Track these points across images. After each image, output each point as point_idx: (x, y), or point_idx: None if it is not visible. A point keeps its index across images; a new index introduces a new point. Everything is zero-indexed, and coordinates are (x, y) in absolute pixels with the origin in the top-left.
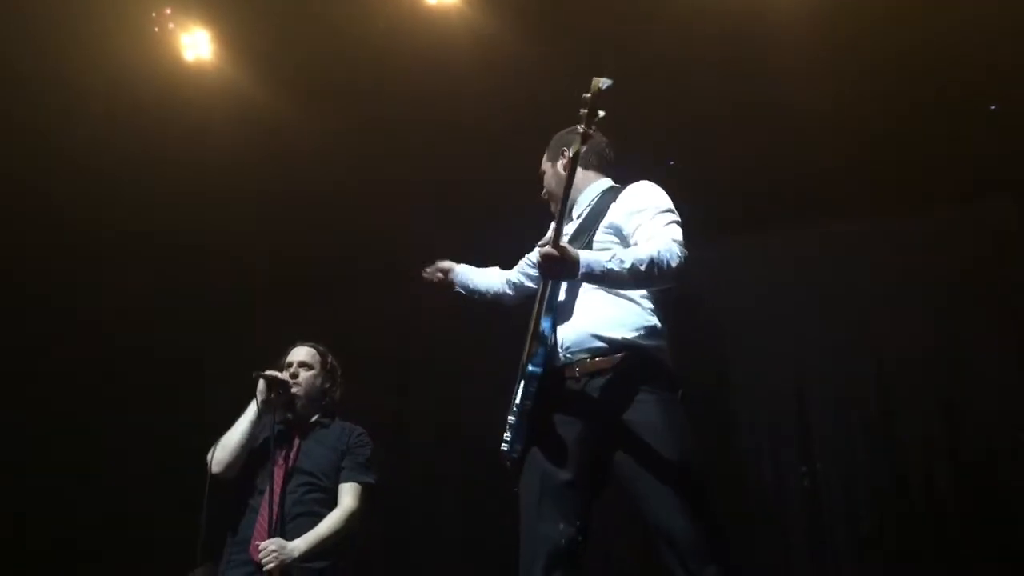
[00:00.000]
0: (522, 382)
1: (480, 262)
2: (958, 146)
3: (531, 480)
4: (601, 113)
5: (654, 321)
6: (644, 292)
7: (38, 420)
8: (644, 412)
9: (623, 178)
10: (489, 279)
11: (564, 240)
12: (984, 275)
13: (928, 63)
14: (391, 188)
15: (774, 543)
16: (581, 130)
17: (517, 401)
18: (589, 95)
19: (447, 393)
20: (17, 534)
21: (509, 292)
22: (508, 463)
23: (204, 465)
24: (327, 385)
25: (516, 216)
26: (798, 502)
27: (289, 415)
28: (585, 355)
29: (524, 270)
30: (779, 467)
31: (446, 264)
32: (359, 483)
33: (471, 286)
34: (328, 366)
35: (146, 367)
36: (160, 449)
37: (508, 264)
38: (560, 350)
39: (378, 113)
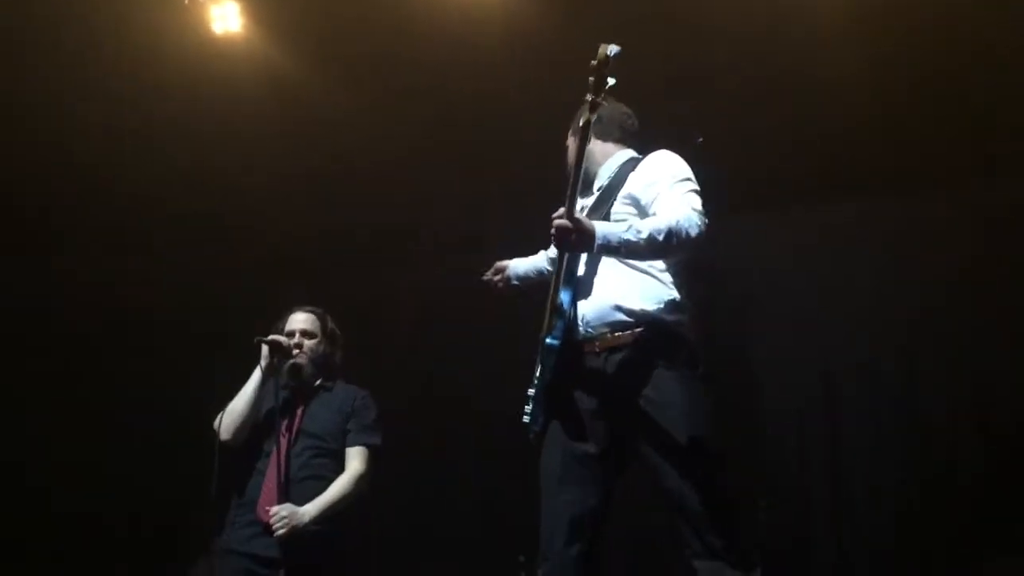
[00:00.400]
0: (541, 356)
1: (507, 235)
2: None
3: (552, 452)
4: (611, 81)
5: (675, 295)
6: (663, 266)
7: (48, 400)
8: (663, 389)
9: (646, 150)
10: (534, 262)
11: (583, 213)
12: (1017, 251)
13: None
14: (423, 161)
15: (794, 524)
16: (589, 99)
17: (537, 375)
18: (596, 62)
19: (469, 372)
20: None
21: (549, 268)
22: (531, 436)
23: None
24: (329, 350)
25: (541, 190)
26: (819, 484)
27: (292, 382)
28: (606, 329)
29: None
30: (801, 449)
31: (501, 263)
32: (366, 446)
33: (521, 273)
34: (328, 331)
35: (167, 341)
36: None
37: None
38: (580, 324)
39: (411, 85)
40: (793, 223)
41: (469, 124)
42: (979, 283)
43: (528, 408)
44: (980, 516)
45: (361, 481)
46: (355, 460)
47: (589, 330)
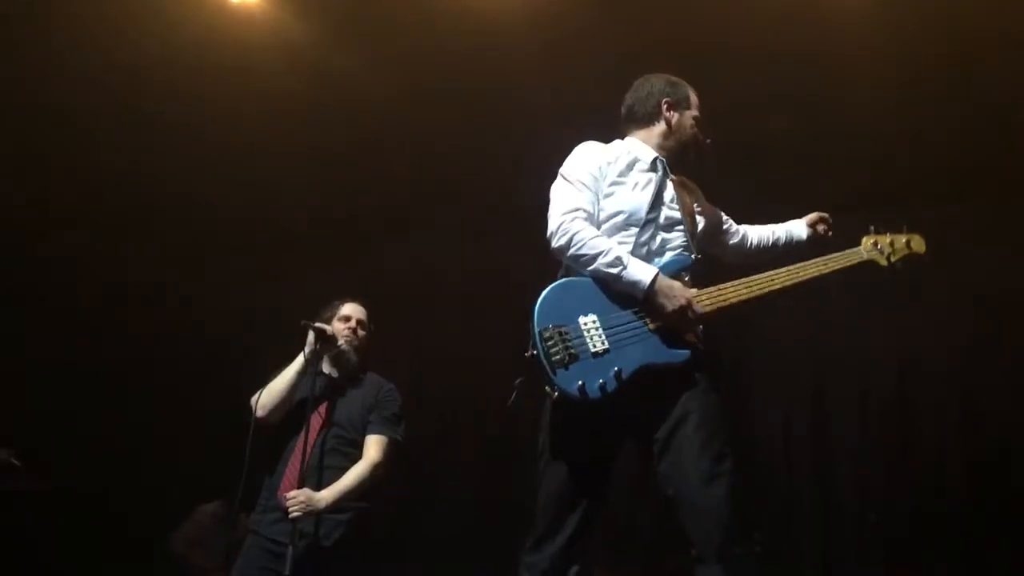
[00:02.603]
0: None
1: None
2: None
3: (572, 439)
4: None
5: None
6: None
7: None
8: (695, 397)
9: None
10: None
11: None
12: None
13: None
14: (444, 136)
15: (782, 532)
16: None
17: (599, 349)
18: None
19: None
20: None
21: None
22: (561, 394)
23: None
24: (369, 344)
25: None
26: (807, 490)
27: (331, 372)
28: None
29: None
30: (791, 457)
31: None
32: (385, 436)
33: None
34: (372, 329)
35: (192, 318)
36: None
37: None
38: None
39: (431, 59)
40: None
41: (485, 101)
42: (974, 304)
43: (563, 366)
44: (964, 537)
45: (376, 470)
46: (372, 448)
47: None
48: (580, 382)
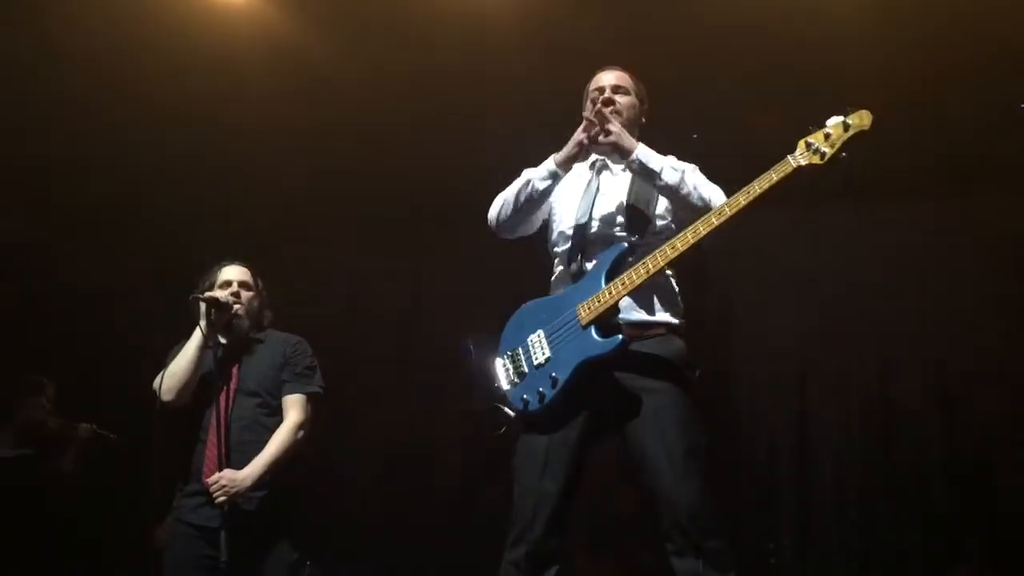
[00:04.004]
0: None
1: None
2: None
3: (540, 437)
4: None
5: (679, 298)
6: (671, 272)
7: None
8: (666, 390)
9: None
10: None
11: None
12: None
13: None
14: (425, 127)
15: (762, 525)
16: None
17: (541, 360)
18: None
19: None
20: None
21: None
22: (522, 415)
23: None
24: (260, 304)
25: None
26: (788, 486)
27: (223, 340)
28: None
29: None
30: (773, 450)
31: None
32: (302, 393)
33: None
34: (259, 286)
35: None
36: None
37: None
38: None
39: (416, 49)
40: (777, 226)
41: (481, 86)
42: (953, 292)
43: (519, 388)
44: (941, 528)
45: (299, 431)
46: (292, 410)
47: None
48: (524, 396)
